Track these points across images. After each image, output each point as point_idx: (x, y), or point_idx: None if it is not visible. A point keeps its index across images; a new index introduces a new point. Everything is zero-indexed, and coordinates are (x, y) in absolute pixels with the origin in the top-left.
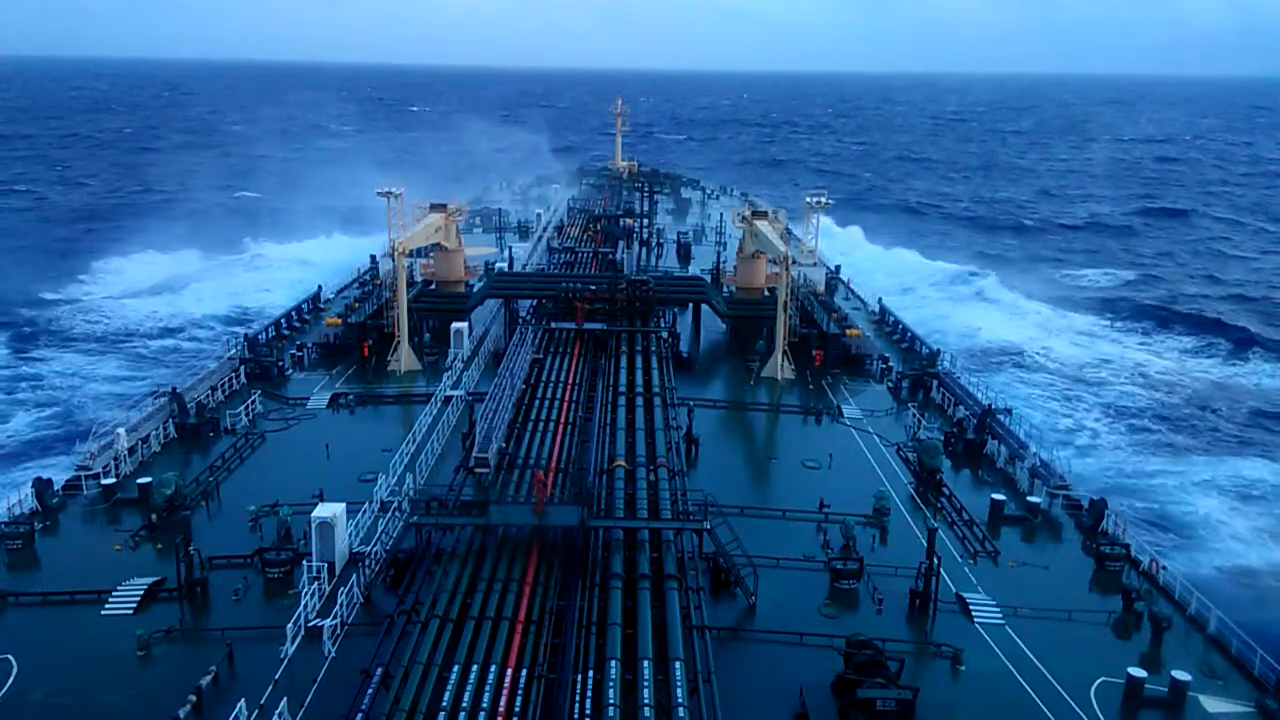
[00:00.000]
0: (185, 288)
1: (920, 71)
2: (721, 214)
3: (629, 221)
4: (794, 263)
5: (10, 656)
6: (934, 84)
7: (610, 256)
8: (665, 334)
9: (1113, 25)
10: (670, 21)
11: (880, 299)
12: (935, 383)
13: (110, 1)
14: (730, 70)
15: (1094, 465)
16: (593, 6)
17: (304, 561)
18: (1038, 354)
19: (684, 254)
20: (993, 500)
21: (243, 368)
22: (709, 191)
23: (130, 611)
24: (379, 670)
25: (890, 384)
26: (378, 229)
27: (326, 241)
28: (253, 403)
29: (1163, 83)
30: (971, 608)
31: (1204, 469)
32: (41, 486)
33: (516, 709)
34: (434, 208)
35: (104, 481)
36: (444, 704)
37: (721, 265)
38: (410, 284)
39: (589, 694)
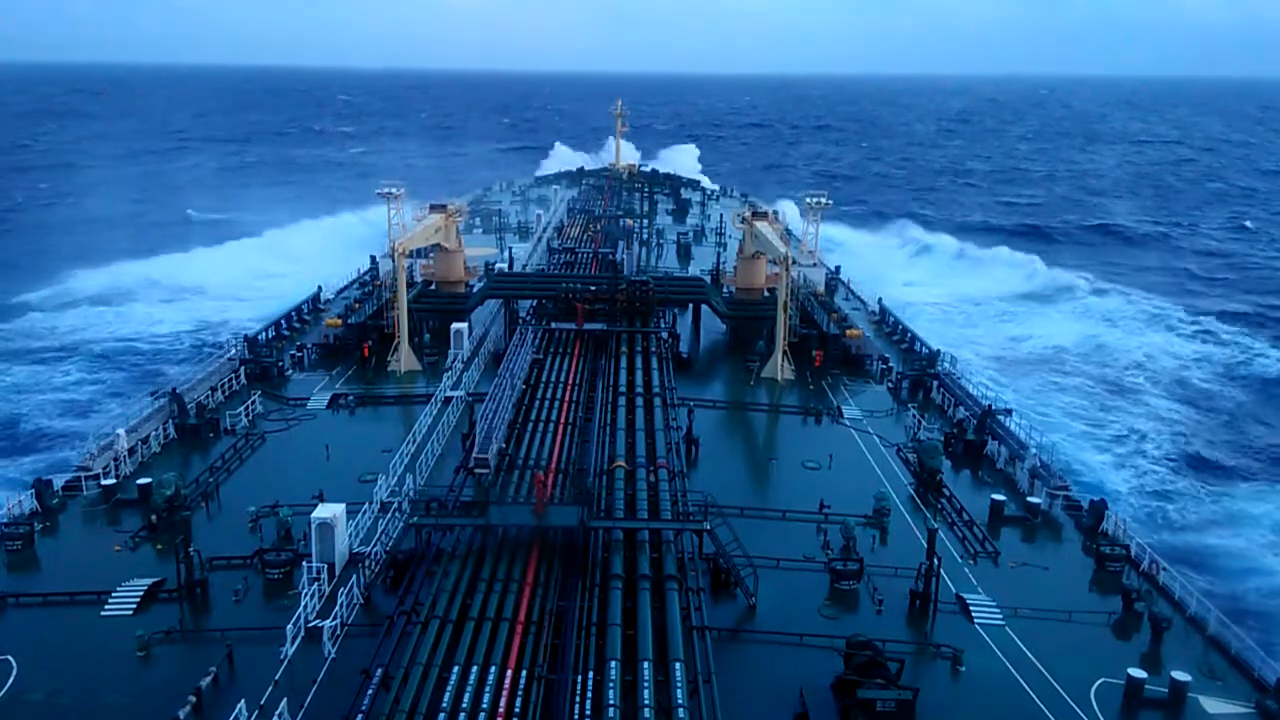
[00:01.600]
0: (126, 300)
1: (921, 74)
2: (721, 214)
3: (629, 222)
4: (794, 263)
5: (10, 657)
6: (936, 86)
7: (610, 257)
8: (665, 334)
9: (1113, 25)
10: (671, 25)
11: (880, 299)
12: (935, 383)
13: (102, 4)
14: (731, 73)
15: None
16: (595, 10)
17: (304, 562)
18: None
19: (684, 254)
20: (993, 501)
21: (243, 368)
22: (709, 192)
23: (130, 612)
24: (379, 671)
25: (890, 384)
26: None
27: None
28: (253, 403)
29: (1162, 82)
30: (971, 608)
31: (1264, 507)
32: (41, 487)
33: (516, 710)
34: (434, 208)
35: (104, 482)
36: (444, 705)
37: (721, 266)
38: (410, 284)
39: (589, 695)
